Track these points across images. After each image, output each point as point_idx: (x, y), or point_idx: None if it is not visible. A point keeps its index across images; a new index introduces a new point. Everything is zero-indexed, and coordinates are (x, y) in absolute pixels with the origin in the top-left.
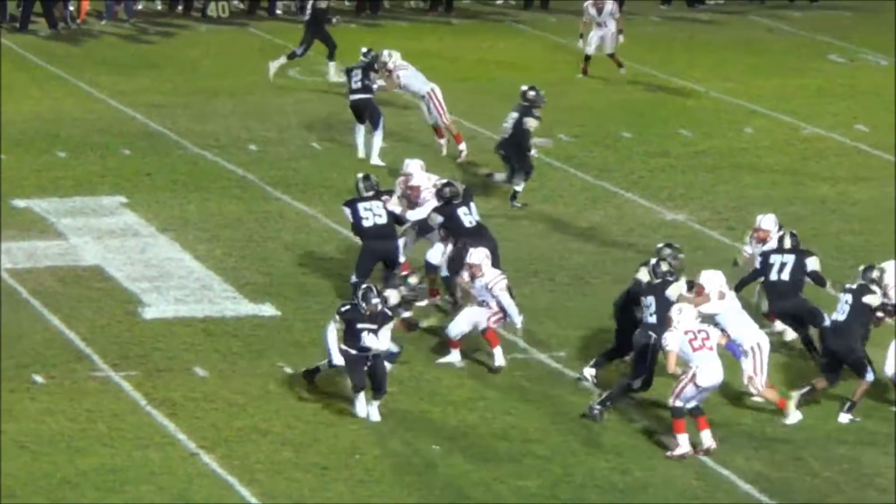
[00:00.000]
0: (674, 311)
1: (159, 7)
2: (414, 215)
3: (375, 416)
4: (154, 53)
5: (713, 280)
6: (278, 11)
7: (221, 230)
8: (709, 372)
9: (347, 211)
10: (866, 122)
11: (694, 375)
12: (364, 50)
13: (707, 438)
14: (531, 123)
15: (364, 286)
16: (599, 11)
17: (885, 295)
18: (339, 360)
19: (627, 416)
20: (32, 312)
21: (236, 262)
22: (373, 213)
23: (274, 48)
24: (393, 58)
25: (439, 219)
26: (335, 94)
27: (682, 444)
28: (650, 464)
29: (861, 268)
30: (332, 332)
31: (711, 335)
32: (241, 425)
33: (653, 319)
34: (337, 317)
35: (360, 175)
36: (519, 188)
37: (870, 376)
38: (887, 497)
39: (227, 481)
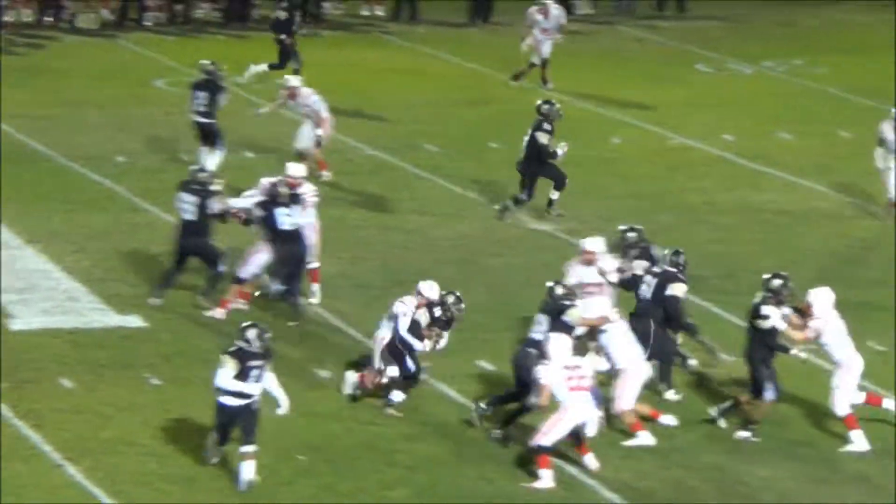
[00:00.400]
0: (551, 342)
1: (28, 18)
2: (237, 202)
3: (250, 475)
4: (22, 65)
5: (602, 306)
6: (148, 23)
7: (89, 242)
8: (580, 411)
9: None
10: (733, 132)
11: (565, 416)
12: (205, 62)
13: (591, 461)
14: (543, 137)
15: (250, 324)
16: (546, 16)
17: (800, 312)
18: (256, 390)
19: (493, 427)
20: None
21: (104, 273)
22: (185, 208)
23: (144, 60)
24: (297, 83)
25: (260, 212)
26: None
27: (545, 478)
28: (515, 473)
29: (764, 277)
30: (228, 377)
31: (585, 372)
32: (107, 436)
33: (539, 337)
34: (226, 359)
35: (198, 166)
36: (554, 196)
37: (769, 395)
38: None
39: (92, 493)
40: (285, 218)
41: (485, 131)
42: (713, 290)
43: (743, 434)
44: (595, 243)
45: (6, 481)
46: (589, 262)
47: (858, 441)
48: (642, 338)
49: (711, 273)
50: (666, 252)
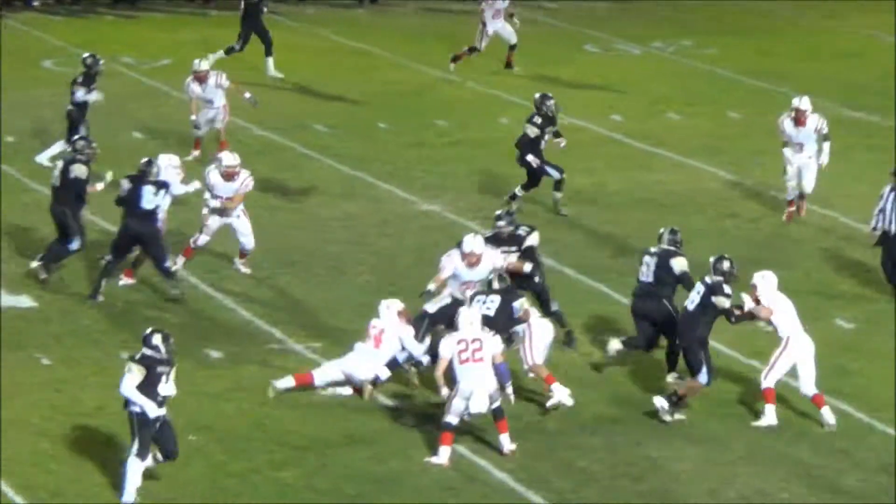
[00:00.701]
0: (461, 315)
1: None
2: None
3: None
4: None
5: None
6: (35, 3)
7: None
8: (467, 383)
9: None
10: (620, 112)
11: (454, 390)
12: (85, 56)
13: (506, 442)
14: (530, 130)
15: (153, 329)
16: None
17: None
18: (155, 410)
19: (384, 406)
20: None
21: None
22: (54, 174)
23: (32, 39)
24: (206, 66)
25: (127, 185)
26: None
27: (443, 456)
28: (407, 454)
29: (712, 259)
30: (132, 385)
31: (485, 346)
32: None
33: (489, 313)
34: (133, 366)
35: (78, 136)
36: (558, 195)
37: (703, 378)
38: (640, 485)
39: None
40: (147, 195)
41: (373, 111)
42: (604, 270)
43: (661, 401)
44: (477, 243)
45: None
46: (473, 265)
47: (769, 416)
48: (656, 318)
49: (602, 254)
50: (662, 231)
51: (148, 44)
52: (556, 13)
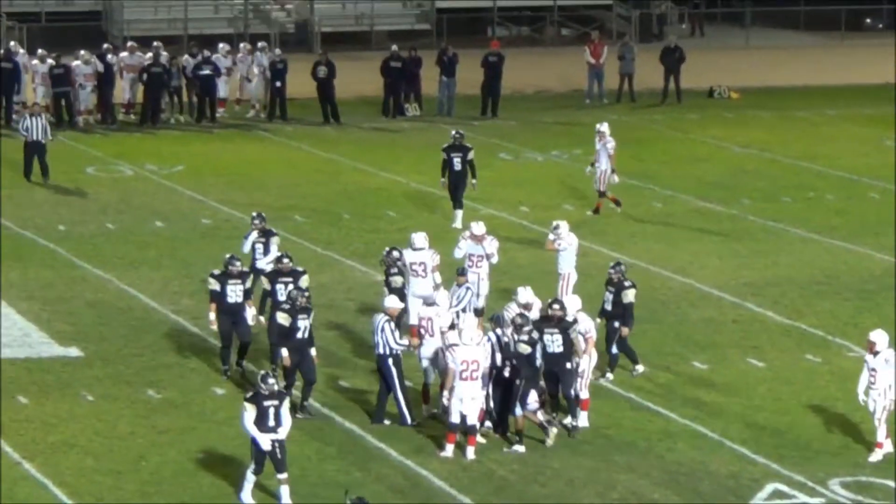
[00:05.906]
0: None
1: None
2: None
3: (286, 499)
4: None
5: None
6: (80, 123)
7: (38, 291)
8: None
9: None
10: (528, 204)
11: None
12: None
13: (471, 453)
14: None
15: (262, 373)
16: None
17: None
18: (267, 443)
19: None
20: None
21: (49, 315)
22: None
23: (77, 151)
24: None
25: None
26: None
27: (448, 451)
28: (367, 466)
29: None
30: (249, 419)
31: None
32: (53, 440)
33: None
34: (246, 404)
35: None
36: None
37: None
38: (547, 490)
39: (43, 483)
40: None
41: (339, 204)
42: None
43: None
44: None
45: None
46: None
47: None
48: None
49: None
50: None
51: (166, 154)
52: (477, 130)
